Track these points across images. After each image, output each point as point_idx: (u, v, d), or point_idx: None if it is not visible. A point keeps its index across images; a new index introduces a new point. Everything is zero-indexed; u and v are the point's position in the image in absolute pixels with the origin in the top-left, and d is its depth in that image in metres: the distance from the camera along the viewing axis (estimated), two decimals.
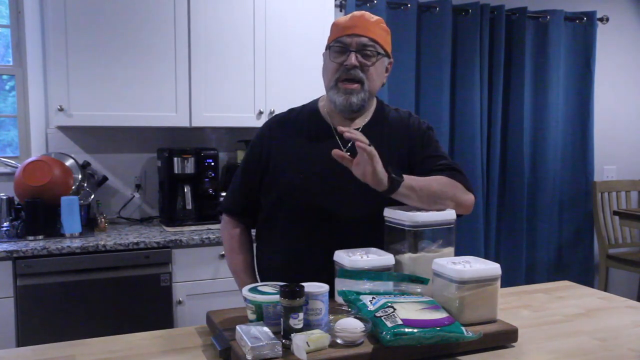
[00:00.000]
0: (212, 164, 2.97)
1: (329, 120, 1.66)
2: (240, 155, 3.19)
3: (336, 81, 1.57)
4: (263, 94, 3.02)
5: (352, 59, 1.54)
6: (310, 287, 1.22)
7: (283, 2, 3.01)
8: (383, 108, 1.70)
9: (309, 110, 1.70)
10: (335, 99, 1.59)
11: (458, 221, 1.50)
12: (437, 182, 1.52)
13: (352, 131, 1.36)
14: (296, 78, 3.02)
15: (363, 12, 1.60)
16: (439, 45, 3.55)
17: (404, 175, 1.44)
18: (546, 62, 3.83)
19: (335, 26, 1.61)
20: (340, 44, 1.56)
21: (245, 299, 1.27)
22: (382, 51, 1.58)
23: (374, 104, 1.69)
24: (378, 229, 1.52)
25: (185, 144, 3.15)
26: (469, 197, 1.58)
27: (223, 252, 2.66)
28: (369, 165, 1.35)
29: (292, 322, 1.16)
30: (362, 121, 1.65)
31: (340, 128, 1.38)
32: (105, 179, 3.05)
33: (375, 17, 1.59)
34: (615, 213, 3.97)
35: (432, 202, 1.48)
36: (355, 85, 1.56)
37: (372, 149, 1.34)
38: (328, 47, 1.61)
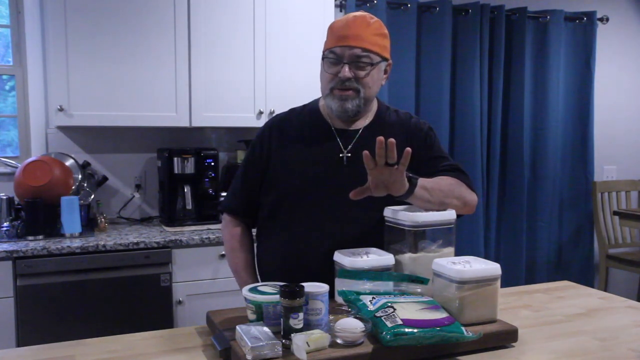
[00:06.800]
0: (212, 164, 2.97)
1: (330, 121, 1.66)
2: (240, 155, 3.18)
3: (331, 89, 1.56)
4: (263, 94, 3.02)
5: (346, 71, 1.51)
6: (310, 287, 1.22)
7: (283, 1, 3.01)
8: (384, 110, 1.70)
9: (310, 110, 1.70)
10: (331, 105, 1.58)
11: (458, 221, 1.50)
12: (445, 181, 1.53)
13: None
14: (296, 78, 3.02)
15: (360, 14, 1.54)
16: (439, 45, 3.55)
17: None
18: (546, 62, 3.83)
19: (330, 32, 1.56)
20: (333, 55, 1.54)
21: (246, 299, 1.27)
22: (377, 59, 1.55)
23: (374, 106, 1.69)
24: (378, 230, 1.52)
25: (185, 144, 3.15)
26: (474, 197, 1.60)
27: (223, 252, 2.67)
28: (391, 177, 1.34)
29: (292, 322, 1.16)
30: (362, 123, 1.65)
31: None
32: (105, 179, 3.05)
33: (372, 21, 1.54)
34: (615, 213, 3.97)
35: (441, 201, 1.48)
36: (349, 92, 1.55)
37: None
38: (323, 56, 1.57)
